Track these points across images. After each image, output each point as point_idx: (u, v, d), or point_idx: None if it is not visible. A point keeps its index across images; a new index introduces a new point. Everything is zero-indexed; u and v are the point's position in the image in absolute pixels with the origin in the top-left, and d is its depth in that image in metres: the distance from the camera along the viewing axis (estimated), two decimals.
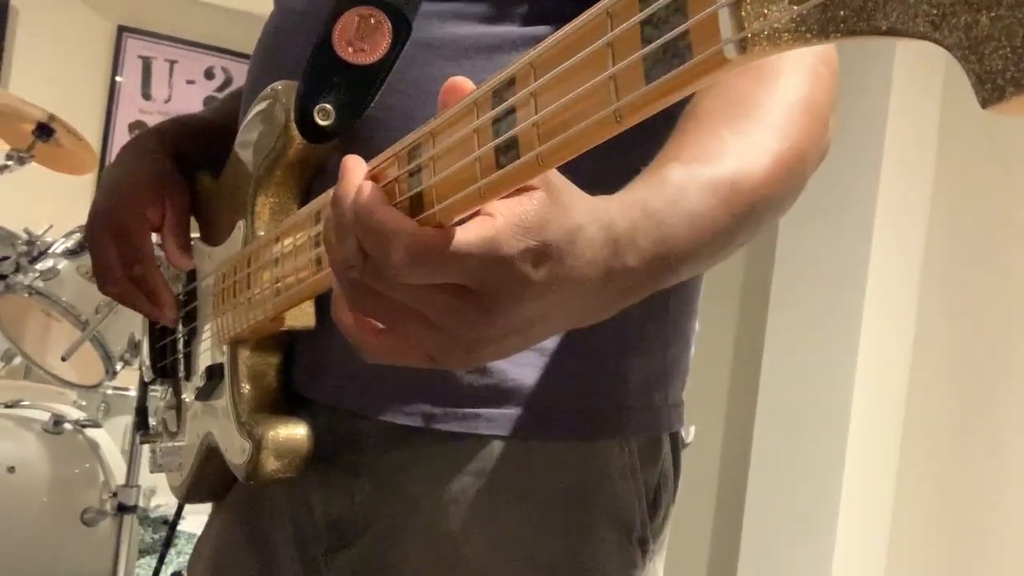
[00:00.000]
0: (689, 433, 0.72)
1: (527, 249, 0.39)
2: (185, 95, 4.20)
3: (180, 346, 0.83)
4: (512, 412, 0.63)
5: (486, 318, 0.41)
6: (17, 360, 2.52)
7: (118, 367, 2.18)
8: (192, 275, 0.81)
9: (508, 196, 0.39)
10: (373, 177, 0.44)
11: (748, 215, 0.50)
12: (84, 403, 2.71)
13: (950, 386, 2.06)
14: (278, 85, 0.67)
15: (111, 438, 2.35)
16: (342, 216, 0.42)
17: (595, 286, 0.43)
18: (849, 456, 2.08)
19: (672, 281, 0.49)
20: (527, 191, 0.40)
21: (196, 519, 0.93)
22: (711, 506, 2.55)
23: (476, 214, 0.40)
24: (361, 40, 0.63)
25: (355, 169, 0.44)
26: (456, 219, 0.40)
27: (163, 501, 2.62)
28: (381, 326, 0.45)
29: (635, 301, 0.47)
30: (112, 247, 0.80)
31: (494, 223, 0.39)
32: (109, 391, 2.67)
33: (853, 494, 2.08)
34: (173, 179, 0.81)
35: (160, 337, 0.89)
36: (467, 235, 0.39)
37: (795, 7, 0.27)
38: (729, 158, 0.49)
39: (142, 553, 2.73)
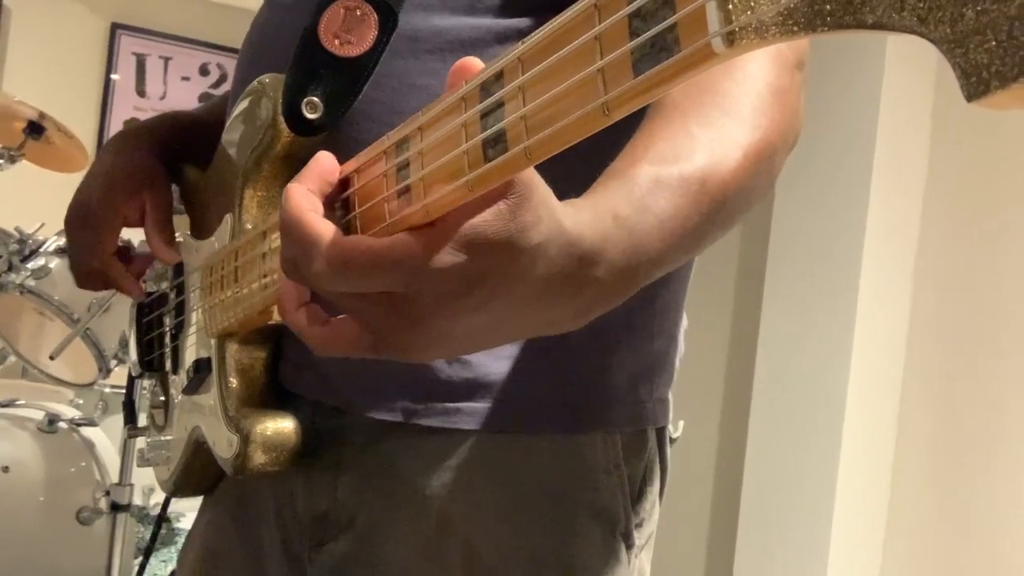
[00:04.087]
0: (677, 428, 0.71)
1: (459, 266, 0.38)
2: (180, 92, 4.19)
3: (168, 340, 0.83)
4: (493, 406, 0.63)
5: (413, 327, 0.40)
6: (12, 359, 2.52)
7: (111, 365, 2.17)
8: (180, 268, 0.81)
9: (474, 202, 0.38)
10: (358, 170, 0.44)
11: (719, 211, 0.49)
12: (81, 402, 2.70)
13: (945, 375, 2.06)
14: (265, 78, 0.66)
15: (109, 436, 2.34)
16: (280, 217, 0.42)
17: (559, 298, 0.42)
18: (844, 448, 2.08)
19: (645, 284, 0.48)
20: (492, 199, 0.38)
21: (193, 517, 0.93)
22: (707, 500, 2.55)
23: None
24: (348, 32, 0.63)
25: (308, 171, 0.43)
26: (445, 212, 0.40)
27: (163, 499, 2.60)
28: (326, 317, 0.45)
29: (611, 307, 0.46)
30: (83, 242, 0.80)
31: (428, 233, 0.38)
32: (107, 389, 2.66)
33: (849, 486, 2.09)
34: (152, 174, 0.81)
35: (147, 331, 0.88)
36: (392, 246, 0.38)
37: (782, 1, 0.27)
38: (698, 153, 0.49)
39: (139, 552, 2.72)
